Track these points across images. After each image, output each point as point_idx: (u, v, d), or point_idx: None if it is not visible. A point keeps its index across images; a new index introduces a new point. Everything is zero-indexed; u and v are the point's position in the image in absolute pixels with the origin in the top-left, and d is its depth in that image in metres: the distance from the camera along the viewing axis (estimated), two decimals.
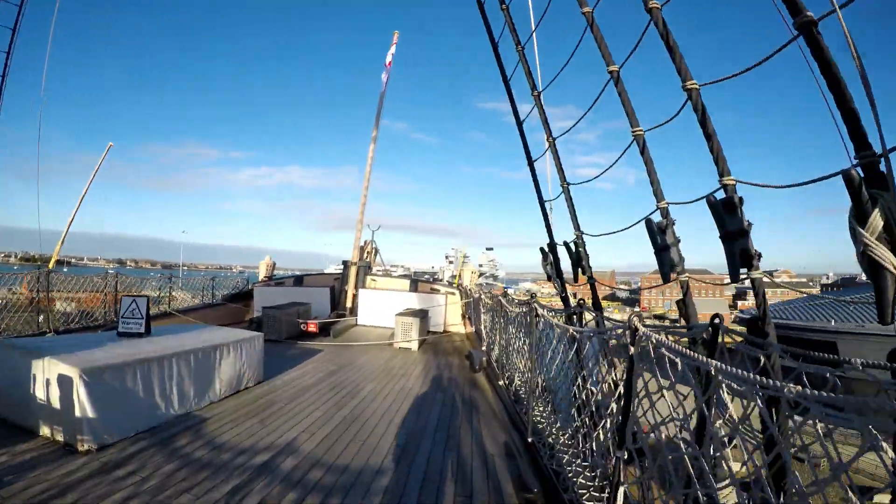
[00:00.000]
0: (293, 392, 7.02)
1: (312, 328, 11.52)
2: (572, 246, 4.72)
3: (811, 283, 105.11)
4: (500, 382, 6.91)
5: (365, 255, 16.78)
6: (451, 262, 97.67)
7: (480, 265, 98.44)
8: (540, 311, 4.65)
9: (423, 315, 11.94)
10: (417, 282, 16.24)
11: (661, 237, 3.17)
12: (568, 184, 4.70)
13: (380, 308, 14.42)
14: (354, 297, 15.09)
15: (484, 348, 9.13)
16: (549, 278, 5.43)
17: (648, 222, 3.25)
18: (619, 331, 2.95)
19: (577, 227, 4.67)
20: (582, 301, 4.75)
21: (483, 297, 9.20)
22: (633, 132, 3.67)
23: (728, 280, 2.80)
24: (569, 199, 4.71)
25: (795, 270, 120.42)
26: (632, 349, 2.66)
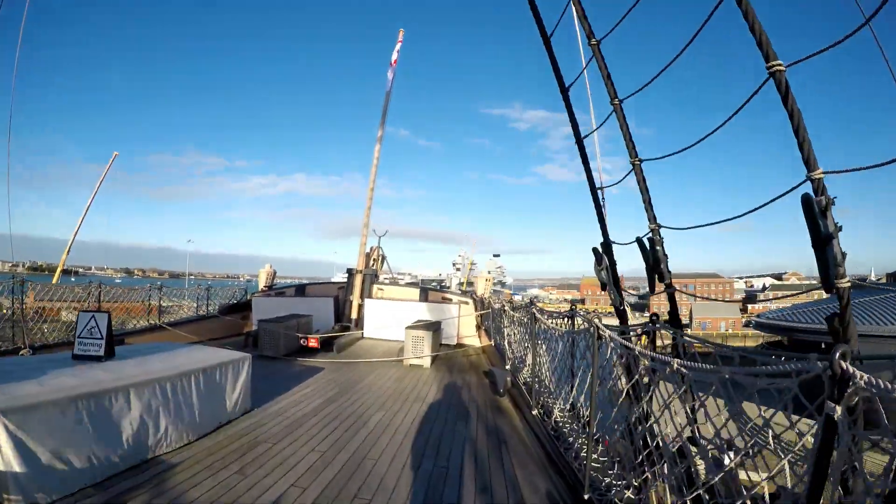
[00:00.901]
0: (285, 426, 5.86)
1: (313, 343, 10.38)
2: (647, 243, 3.54)
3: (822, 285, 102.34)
4: (534, 412, 5.71)
5: (371, 262, 15.66)
6: (458, 269, 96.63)
7: (488, 272, 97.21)
8: (605, 331, 3.47)
9: (435, 328, 10.77)
10: (428, 290, 15.05)
11: (823, 223, 2.03)
12: (641, 160, 3.53)
13: (387, 320, 13.26)
14: (360, 307, 13.96)
15: (508, 367, 7.93)
16: (603, 287, 4.26)
17: (807, 201, 2.10)
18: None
19: (653, 217, 3.51)
20: (655, 317, 3.58)
21: (507, 308, 8.01)
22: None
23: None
24: (640, 179, 3.55)
25: (804, 272, 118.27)
26: (837, 411, 1.49)
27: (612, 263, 4.21)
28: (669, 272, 3.51)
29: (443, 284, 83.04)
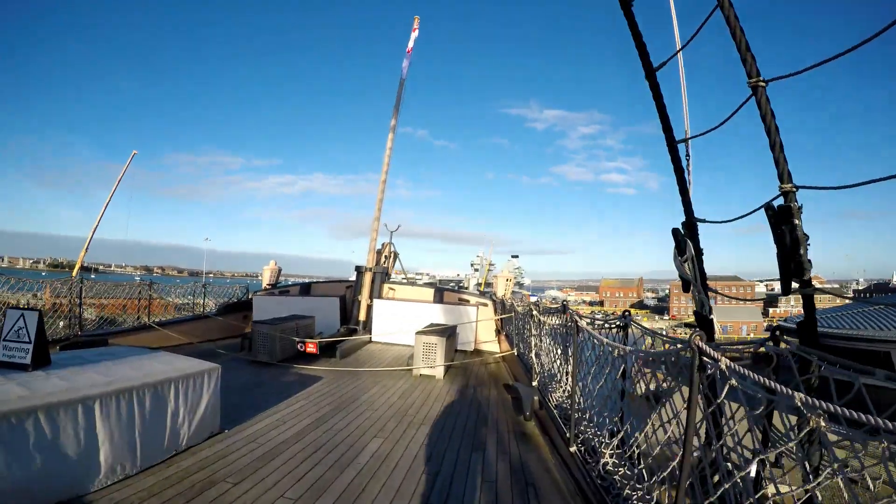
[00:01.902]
0: (257, 457, 4.68)
1: (311, 349, 9.22)
2: (776, 216, 2.22)
3: (844, 289, 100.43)
4: (572, 449, 4.39)
5: (382, 259, 14.49)
6: (476, 270, 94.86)
7: (509, 272, 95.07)
8: (722, 360, 2.12)
9: (450, 333, 9.50)
10: (443, 291, 13.76)
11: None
12: (765, 81, 2.23)
13: (398, 322, 12.06)
14: (369, 308, 12.79)
15: (535, 384, 6.61)
16: (684, 287, 2.96)
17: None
18: None
19: (786, 175, 2.19)
20: (776, 330, 2.27)
21: (535, 313, 6.64)
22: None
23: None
24: (765, 109, 2.25)
25: (825, 276, 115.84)
26: None
27: (699, 251, 2.90)
28: (810, 263, 2.19)
29: (461, 285, 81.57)
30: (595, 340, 3.87)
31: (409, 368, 8.90)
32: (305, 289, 14.46)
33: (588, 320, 4.46)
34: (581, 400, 4.37)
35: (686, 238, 2.87)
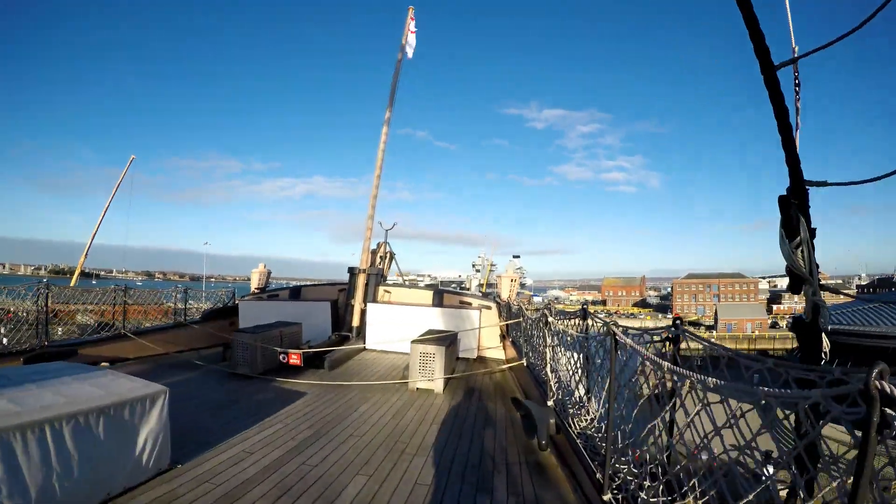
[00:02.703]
0: (208, 503, 3.73)
1: (294, 360, 8.24)
2: None
3: (847, 285, 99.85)
4: (606, 498, 3.41)
5: (377, 260, 13.53)
6: (477, 271, 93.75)
7: (513, 271, 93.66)
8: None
9: (450, 341, 8.52)
10: (443, 293, 12.76)
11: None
12: None
13: (394, 328, 11.10)
14: (363, 313, 11.82)
15: (551, 403, 5.61)
16: (793, 285, 2.00)
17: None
18: None
19: None
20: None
21: (551, 320, 5.55)
22: None
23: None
24: None
25: (828, 272, 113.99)
26: None
27: (811, 231, 1.95)
28: None
29: (462, 286, 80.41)
30: (641, 362, 2.88)
31: (405, 382, 7.94)
32: (295, 293, 13.49)
33: (621, 329, 3.48)
34: (618, 434, 3.39)
35: (798, 211, 1.93)
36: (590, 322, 5.05)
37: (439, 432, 5.78)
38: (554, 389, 5.56)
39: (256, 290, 13.95)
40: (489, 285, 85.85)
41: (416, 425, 6.02)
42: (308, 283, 17.31)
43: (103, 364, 9.55)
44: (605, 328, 3.67)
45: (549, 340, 5.62)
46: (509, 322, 10.20)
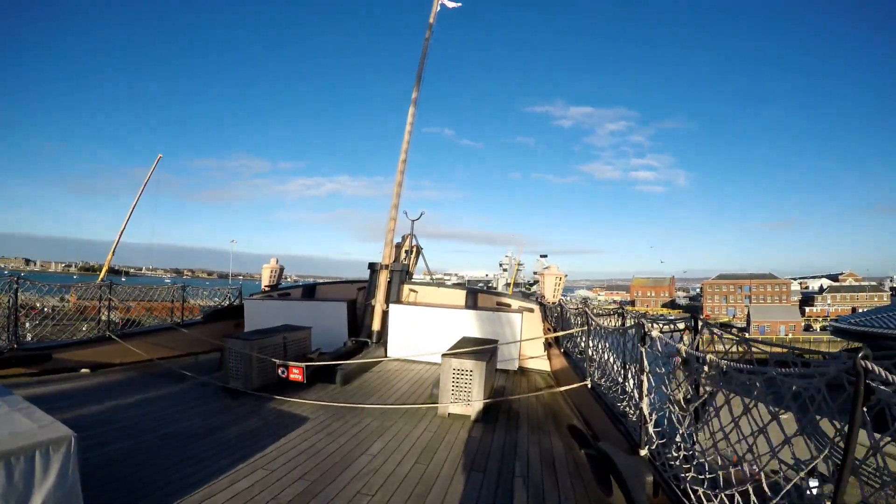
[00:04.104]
0: None
1: (295, 375, 6.68)
2: None
3: (881, 287, 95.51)
4: None
5: (402, 255, 11.96)
6: (504, 270, 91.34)
7: (535, 273, 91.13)
8: None
9: (489, 354, 6.81)
10: (477, 293, 11.06)
11: None
12: None
13: (421, 333, 9.51)
14: (384, 315, 10.23)
15: (645, 452, 3.86)
16: None
17: None
18: None
19: None
20: None
21: (655, 333, 3.75)
22: None
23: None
24: None
25: (860, 273, 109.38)
26: None
27: None
28: None
29: (490, 285, 78.06)
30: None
31: (434, 406, 6.30)
32: (309, 291, 11.99)
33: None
34: None
35: None
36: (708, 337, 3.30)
37: (483, 485, 4.14)
38: (651, 434, 3.81)
39: (267, 288, 12.54)
40: (516, 284, 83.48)
41: (449, 471, 4.39)
42: (327, 280, 15.86)
43: (83, 370, 8.33)
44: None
45: (645, 364, 3.86)
46: (563, 333, 8.32)
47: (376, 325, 10.16)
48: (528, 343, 9.47)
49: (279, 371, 6.66)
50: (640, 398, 4.02)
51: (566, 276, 11.46)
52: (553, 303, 10.63)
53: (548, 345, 9.51)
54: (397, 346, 9.66)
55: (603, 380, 5.64)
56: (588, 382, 5.95)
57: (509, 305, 10.22)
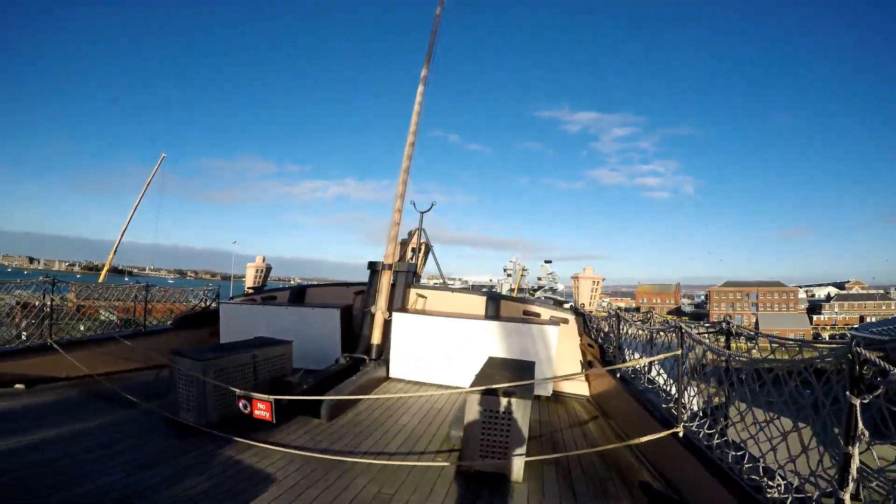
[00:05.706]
0: None
1: (260, 412, 4.82)
2: None
3: (887, 294, 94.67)
4: None
5: (408, 253, 10.21)
6: (509, 275, 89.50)
7: (539, 278, 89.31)
8: None
9: (529, 387, 4.97)
10: (499, 299, 9.23)
11: None
12: None
13: (432, 349, 7.75)
14: (387, 326, 8.39)
15: None
16: None
17: None
18: None
19: None
20: None
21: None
22: None
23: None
24: None
25: (866, 281, 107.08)
26: None
27: None
28: None
29: (494, 291, 76.22)
30: None
31: (454, 452, 4.52)
32: (297, 295, 10.16)
33: None
34: None
35: None
36: None
37: None
38: None
39: (250, 290, 10.77)
40: (520, 290, 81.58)
41: None
42: (320, 283, 14.05)
43: (17, 386, 6.67)
44: None
45: (860, 427, 2.12)
46: (659, 357, 6.37)
47: (376, 339, 8.27)
48: (561, 360, 7.69)
49: (240, 404, 4.86)
50: (844, 484, 2.25)
51: (603, 279, 9.67)
52: (590, 311, 8.83)
53: (588, 363, 7.73)
54: (402, 366, 7.86)
55: (701, 429, 3.83)
56: (679, 429, 4.13)
57: (538, 315, 8.40)
